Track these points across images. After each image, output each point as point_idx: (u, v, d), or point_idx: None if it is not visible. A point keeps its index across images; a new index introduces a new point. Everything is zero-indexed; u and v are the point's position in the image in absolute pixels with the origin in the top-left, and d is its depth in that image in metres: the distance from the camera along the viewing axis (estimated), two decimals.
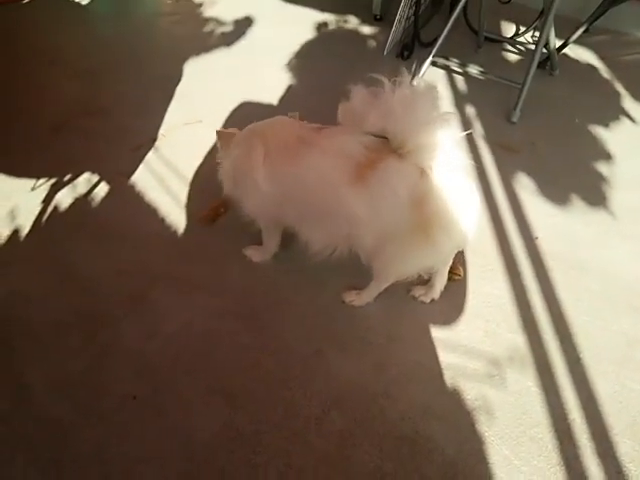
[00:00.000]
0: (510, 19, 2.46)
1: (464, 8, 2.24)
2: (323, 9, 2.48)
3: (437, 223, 0.96)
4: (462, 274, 1.29)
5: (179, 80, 1.96)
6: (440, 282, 1.23)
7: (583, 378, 1.11)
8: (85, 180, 1.50)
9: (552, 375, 1.11)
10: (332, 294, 1.25)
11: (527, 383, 1.10)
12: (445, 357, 1.14)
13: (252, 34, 2.30)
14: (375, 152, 0.96)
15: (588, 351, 1.15)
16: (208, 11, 2.49)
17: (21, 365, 1.11)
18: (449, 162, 0.97)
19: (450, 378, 1.10)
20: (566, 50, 2.20)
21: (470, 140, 1.72)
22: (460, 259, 1.32)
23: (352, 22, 2.41)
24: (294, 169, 1.02)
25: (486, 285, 1.28)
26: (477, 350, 1.15)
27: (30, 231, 1.37)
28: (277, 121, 1.11)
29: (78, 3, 2.54)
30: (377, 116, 0.96)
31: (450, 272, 1.28)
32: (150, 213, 1.40)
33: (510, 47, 2.27)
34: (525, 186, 1.56)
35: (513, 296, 1.26)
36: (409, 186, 0.95)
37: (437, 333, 1.18)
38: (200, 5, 2.54)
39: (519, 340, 1.17)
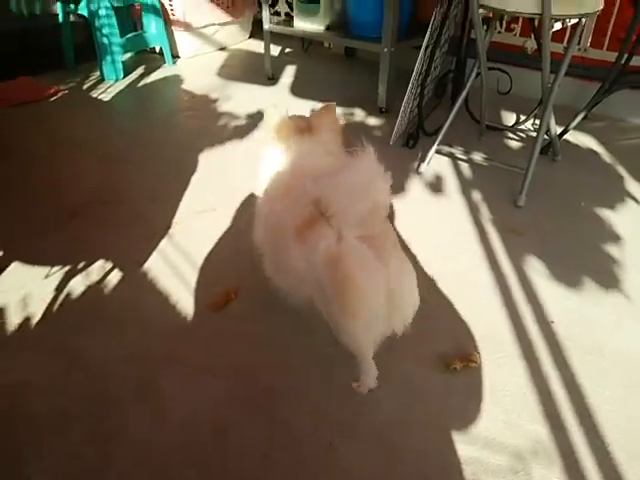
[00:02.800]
0: (510, 109, 2.59)
1: (465, 99, 2.37)
2: None
3: (349, 292, 0.95)
4: (478, 361, 1.25)
5: (194, 170, 2.05)
6: (367, 369, 1.14)
7: (613, 473, 1.04)
8: (99, 267, 1.52)
9: (580, 470, 1.04)
10: (344, 375, 1.21)
11: (553, 479, 1.03)
12: (464, 450, 1.08)
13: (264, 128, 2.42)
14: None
15: (616, 443, 1.09)
16: (223, 106, 2.64)
17: (24, 462, 1.06)
18: (375, 233, 0.98)
19: (471, 474, 1.04)
20: (567, 136, 2.28)
21: (478, 225, 1.74)
22: (475, 346, 1.30)
23: (359, 115, 2.54)
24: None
25: (503, 373, 1.24)
26: (498, 443, 1.10)
27: (41, 319, 1.37)
28: None
29: (101, 100, 2.72)
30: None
31: (466, 359, 1.25)
32: (161, 300, 1.41)
33: (512, 135, 2.36)
34: (536, 269, 1.56)
35: (532, 384, 1.21)
36: (326, 249, 0.95)
37: (454, 424, 1.13)
38: (215, 101, 2.71)
39: (542, 431, 1.11)
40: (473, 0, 1.82)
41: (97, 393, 1.18)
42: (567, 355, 1.28)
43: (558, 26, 1.82)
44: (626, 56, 2.25)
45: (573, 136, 2.33)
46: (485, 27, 2.06)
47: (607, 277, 1.54)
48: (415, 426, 1.13)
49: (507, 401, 1.18)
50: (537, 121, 2.34)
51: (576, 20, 1.79)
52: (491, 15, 1.93)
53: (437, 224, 1.73)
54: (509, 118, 2.52)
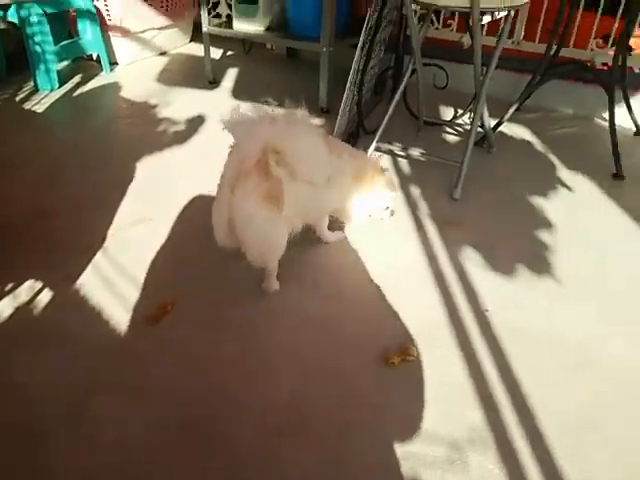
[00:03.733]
0: (448, 103, 2.64)
1: (404, 95, 2.40)
2: (273, 104, 2.61)
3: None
4: (415, 354, 1.27)
5: (131, 179, 2.00)
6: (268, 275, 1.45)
7: (546, 454, 1.07)
8: (28, 288, 1.46)
9: (514, 453, 1.07)
10: (285, 388, 1.21)
11: (489, 466, 1.06)
12: (402, 446, 1.10)
13: (205, 132, 2.39)
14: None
15: (548, 424, 1.12)
16: (162, 112, 2.60)
17: None
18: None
19: (409, 469, 1.05)
20: (502, 128, 2.34)
21: (416, 219, 1.77)
22: (412, 339, 1.32)
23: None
24: None
25: (441, 364, 1.26)
26: (436, 434, 1.11)
27: None
28: None
29: (35, 111, 2.63)
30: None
31: (404, 353, 1.27)
32: (94, 317, 1.37)
33: (449, 129, 2.41)
34: (472, 259, 1.60)
35: (468, 373, 1.24)
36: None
37: (393, 420, 1.15)
38: (155, 107, 2.66)
39: (478, 419, 1.14)
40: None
41: (26, 418, 1.14)
42: (501, 342, 1.32)
43: (487, 19, 1.87)
44: (555, 48, 2.33)
45: (508, 128, 2.40)
46: (420, 23, 2.09)
47: (539, 263, 1.59)
48: (355, 425, 1.14)
49: (445, 392, 1.20)
50: (485, 117, 2.38)
51: (505, 12, 1.84)
52: (425, 11, 1.96)
53: (376, 219, 1.74)
54: (447, 112, 2.57)
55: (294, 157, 1.27)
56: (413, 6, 1.87)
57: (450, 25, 2.88)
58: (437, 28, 2.89)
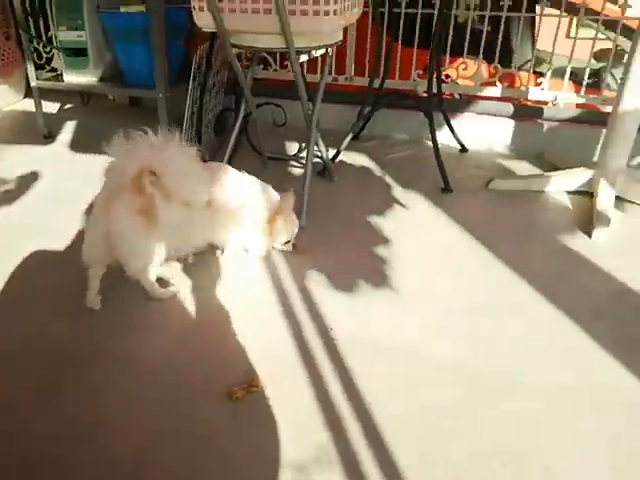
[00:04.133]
0: (292, 139, 2.73)
1: (247, 133, 2.46)
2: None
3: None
4: (260, 385, 1.25)
5: None
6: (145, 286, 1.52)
7: (389, 464, 1.09)
8: None
9: (359, 465, 1.08)
10: (129, 442, 1.12)
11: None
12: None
13: (39, 188, 2.24)
14: None
15: (391, 431, 1.15)
16: None
17: None
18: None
19: None
20: (342, 157, 2.48)
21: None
22: (257, 369, 1.30)
23: None
24: None
25: (287, 390, 1.25)
26: (284, 460, 1.09)
27: None
28: None
29: None
30: None
31: (248, 386, 1.24)
32: None
33: (294, 163, 2.50)
34: (316, 281, 1.63)
35: (315, 395, 1.24)
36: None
37: (244, 455, 1.11)
38: None
39: (325, 439, 1.14)
40: (225, 41, 1.89)
41: None
42: (346, 358, 1.34)
43: (305, 57, 1.99)
44: (380, 81, 2.54)
45: (348, 157, 2.54)
46: (248, 65, 2.17)
47: (381, 278, 1.67)
48: (202, 471, 1.08)
49: (292, 417, 1.19)
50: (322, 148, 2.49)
51: (323, 51, 1.97)
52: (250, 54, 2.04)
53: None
54: (292, 147, 2.66)
55: (169, 178, 1.36)
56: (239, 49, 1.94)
57: (287, 66, 3.01)
58: (276, 70, 3.02)
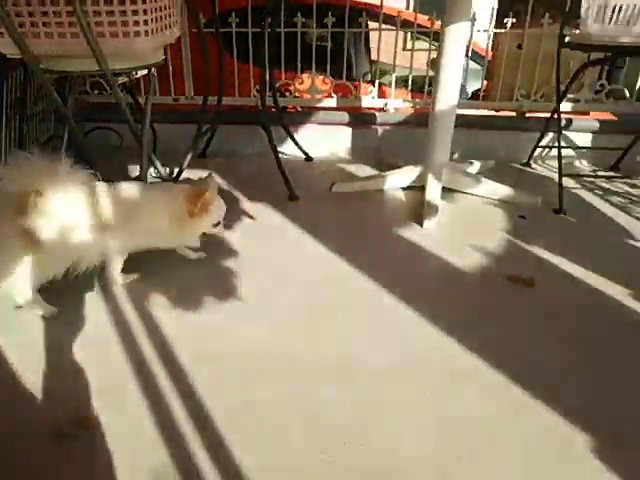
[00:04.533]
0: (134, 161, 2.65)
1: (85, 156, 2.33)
2: None
3: None
4: (95, 421, 1.18)
5: None
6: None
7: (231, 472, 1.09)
8: None
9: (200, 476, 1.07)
10: None
11: None
12: None
13: None
14: None
15: (231, 438, 1.15)
16: None
17: None
18: None
19: None
20: (188, 175, 2.44)
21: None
22: (93, 405, 1.23)
23: None
24: None
25: (127, 421, 1.20)
26: None
27: None
28: None
29: None
30: None
31: (81, 422, 1.17)
32: None
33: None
34: (159, 304, 1.59)
35: (156, 418, 1.20)
36: None
37: None
38: None
39: (165, 456, 1.10)
40: (34, 67, 1.78)
41: None
42: (188, 375, 1.32)
43: (124, 79, 1.94)
44: (218, 98, 2.56)
45: (194, 174, 2.46)
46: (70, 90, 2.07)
47: (224, 287, 1.67)
48: None
49: (130, 445, 1.14)
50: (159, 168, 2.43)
51: (145, 71, 1.93)
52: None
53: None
54: (135, 170, 2.58)
55: (54, 199, 1.38)
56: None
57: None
58: (110, 94, 2.91)
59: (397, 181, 2.46)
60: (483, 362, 1.37)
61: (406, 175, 2.45)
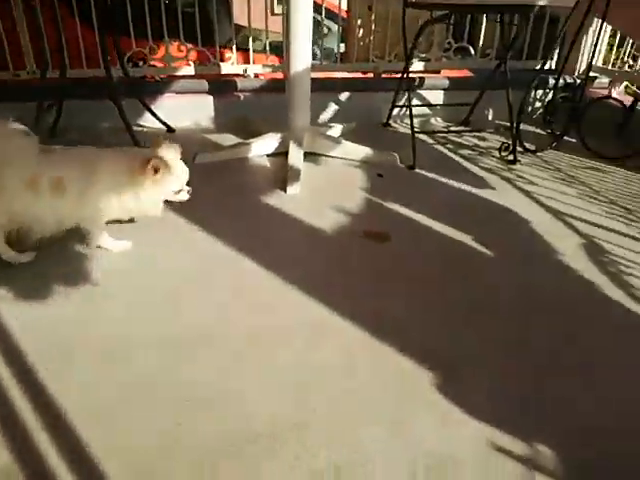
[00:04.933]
0: None
1: None
2: None
3: None
4: None
5: None
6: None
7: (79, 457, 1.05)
8: None
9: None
10: None
11: None
12: None
13: None
14: None
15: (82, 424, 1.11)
16: None
17: None
18: None
19: None
20: None
21: None
22: None
23: None
24: None
25: None
26: None
27: None
28: None
29: None
30: None
31: None
32: None
33: None
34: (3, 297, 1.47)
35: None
36: None
37: None
38: None
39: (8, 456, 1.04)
40: None
41: None
42: (36, 373, 1.24)
43: None
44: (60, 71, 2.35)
45: None
46: None
47: (76, 277, 1.58)
48: None
49: None
50: None
51: None
52: None
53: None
54: None
55: None
56: None
57: None
58: None
59: (261, 148, 2.45)
60: (340, 315, 1.43)
61: (269, 142, 2.45)
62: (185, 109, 2.83)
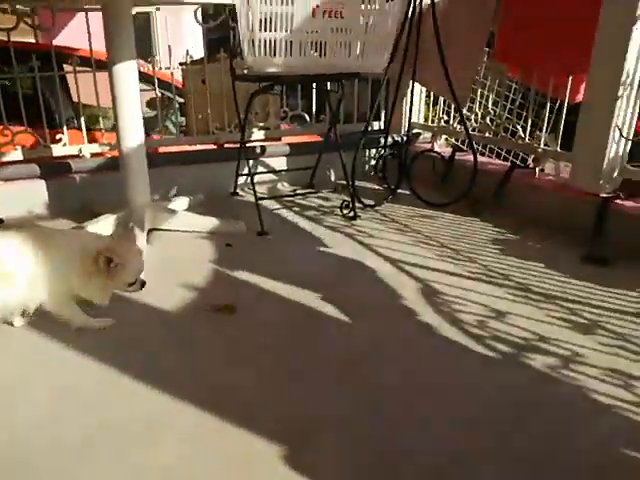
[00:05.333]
0: None
1: None
2: None
3: None
4: None
5: None
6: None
7: None
8: None
9: None
10: None
11: None
12: None
13: None
14: None
15: None
16: None
17: None
18: None
19: None
20: None
21: None
22: None
23: None
24: None
25: None
26: None
27: None
28: None
29: None
30: None
31: None
32: None
33: None
34: None
35: None
36: None
37: None
38: None
39: None
40: None
41: None
42: None
43: None
44: None
45: None
46: None
47: None
48: None
49: None
50: None
51: None
52: None
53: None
54: None
55: None
56: None
57: None
58: None
59: (99, 230, 2.32)
60: (186, 402, 1.36)
61: (105, 223, 2.33)
62: (16, 197, 2.62)
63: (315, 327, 1.73)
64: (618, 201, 2.29)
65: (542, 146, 2.65)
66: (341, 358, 1.57)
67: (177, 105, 3.09)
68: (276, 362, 1.55)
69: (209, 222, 2.42)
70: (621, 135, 2.27)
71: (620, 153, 2.32)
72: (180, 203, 2.66)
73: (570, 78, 2.47)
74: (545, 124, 2.62)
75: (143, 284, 1.64)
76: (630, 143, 2.30)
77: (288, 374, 1.49)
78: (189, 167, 2.94)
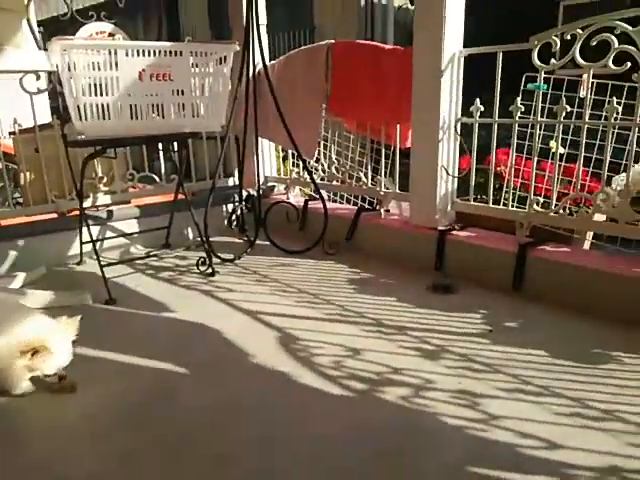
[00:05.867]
0: None
1: None
2: None
3: None
4: None
5: None
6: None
7: None
8: None
9: None
10: None
11: None
12: None
13: None
14: None
15: None
16: None
17: None
18: None
19: None
20: None
21: None
22: None
23: None
24: None
25: None
26: None
27: None
28: None
29: None
30: None
31: None
32: None
33: None
34: None
35: None
36: None
37: None
38: None
39: None
40: None
41: None
42: None
43: None
44: None
45: None
46: None
47: None
48: None
49: None
50: None
51: None
52: None
53: None
54: None
55: None
56: None
57: None
58: None
59: None
60: None
61: None
62: None
63: (167, 395, 1.61)
64: (454, 232, 2.50)
65: (383, 189, 2.84)
66: (194, 426, 1.47)
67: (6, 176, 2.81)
68: (120, 443, 1.40)
69: (47, 296, 2.20)
70: (447, 173, 2.50)
71: (450, 189, 2.56)
72: (15, 280, 2.40)
73: (398, 127, 2.70)
74: (383, 169, 2.82)
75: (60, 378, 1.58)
76: (457, 180, 2.55)
77: (134, 457, 1.36)
78: (27, 240, 2.68)
